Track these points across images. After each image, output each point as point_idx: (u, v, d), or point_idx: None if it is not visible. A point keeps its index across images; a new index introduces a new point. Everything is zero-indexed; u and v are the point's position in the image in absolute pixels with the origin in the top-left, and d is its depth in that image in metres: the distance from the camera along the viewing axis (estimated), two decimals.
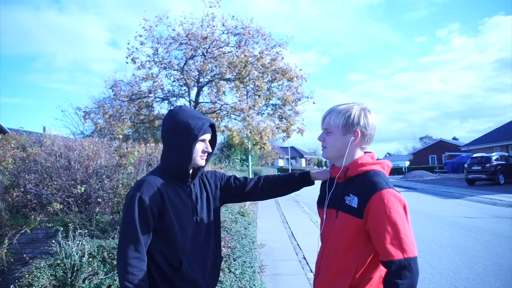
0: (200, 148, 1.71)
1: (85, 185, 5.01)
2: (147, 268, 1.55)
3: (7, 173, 5.35)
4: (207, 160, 1.79)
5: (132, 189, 1.61)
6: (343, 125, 1.57)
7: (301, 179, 1.96)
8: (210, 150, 1.78)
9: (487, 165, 19.85)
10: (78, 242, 4.03)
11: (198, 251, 1.71)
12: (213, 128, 1.82)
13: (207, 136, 1.75)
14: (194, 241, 1.69)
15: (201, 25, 13.65)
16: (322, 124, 1.67)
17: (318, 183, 1.95)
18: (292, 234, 8.47)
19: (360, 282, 1.49)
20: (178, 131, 1.67)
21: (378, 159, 1.66)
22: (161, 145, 6.60)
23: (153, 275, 1.60)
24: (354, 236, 1.48)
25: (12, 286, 3.74)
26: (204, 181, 1.86)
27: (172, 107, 16.09)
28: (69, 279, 3.76)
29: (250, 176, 17.08)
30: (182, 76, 13.82)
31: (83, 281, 3.75)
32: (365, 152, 1.65)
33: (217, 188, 1.89)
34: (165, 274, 1.62)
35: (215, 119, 14.41)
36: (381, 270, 1.51)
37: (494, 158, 20.20)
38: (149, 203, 1.55)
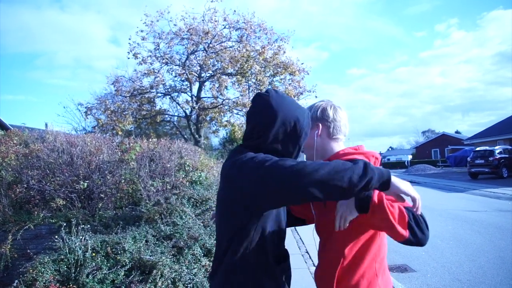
0: None
1: (87, 181, 5.02)
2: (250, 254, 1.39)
3: (10, 169, 5.37)
4: None
5: None
6: None
7: None
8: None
9: (490, 158, 19.75)
10: (81, 237, 4.05)
11: None
12: None
13: None
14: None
15: (203, 20, 13.62)
16: None
17: None
18: (295, 228, 8.48)
19: (349, 269, 1.49)
20: (287, 129, 1.43)
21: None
22: (163, 141, 6.59)
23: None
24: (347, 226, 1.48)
25: (16, 281, 3.76)
26: None
27: (170, 100, 15.86)
28: (72, 274, 3.78)
29: None
30: (183, 71, 13.80)
31: (87, 276, 3.76)
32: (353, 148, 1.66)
33: None
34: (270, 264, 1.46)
35: (217, 114, 14.41)
36: (373, 256, 1.50)
37: (497, 151, 20.09)
38: None
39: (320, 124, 1.61)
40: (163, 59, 13.82)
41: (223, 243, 1.44)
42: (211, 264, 4.09)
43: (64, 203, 4.90)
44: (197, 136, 14.60)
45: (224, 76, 14.05)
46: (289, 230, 8.30)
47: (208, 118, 14.88)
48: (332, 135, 1.63)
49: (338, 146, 1.64)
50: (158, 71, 14.08)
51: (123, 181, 5.26)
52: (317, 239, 1.71)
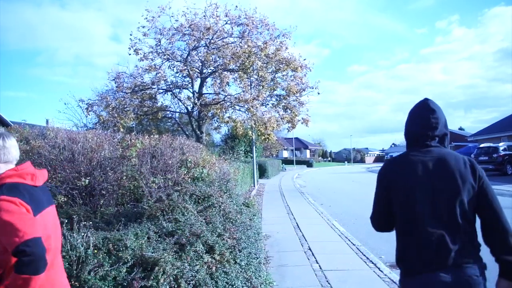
0: None
1: (89, 177, 4.99)
2: None
3: None
4: None
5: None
6: None
7: None
8: None
9: (494, 155, 19.65)
10: (83, 234, 4.02)
11: None
12: None
13: None
14: None
15: (204, 16, 13.55)
16: None
17: None
18: (297, 225, 8.45)
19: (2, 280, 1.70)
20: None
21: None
22: (164, 137, 6.56)
23: None
24: None
25: None
26: None
27: (174, 98, 15.80)
28: (74, 271, 3.75)
29: (255, 168, 16.67)
30: (185, 67, 13.76)
31: (89, 273, 3.74)
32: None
33: None
34: None
35: (219, 110, 14.36)
36: None
37: (501, 148, 19.98)
38: None
39: None
40: (165, 55, 13.76)
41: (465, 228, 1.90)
42: (213, 261, 4.06)
43: (66, 199, 4.88)
44: (198, 132, 14.57)
45: (225, 72, 13.99)
46: (291, 227, 8.28)
47: (210, 114, 14.83)
48: (3, 162, 1.90)
49: (4, 169, 1.87)
50: (160, 67, 14.03)
51: (124, 177, 5.23)
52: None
